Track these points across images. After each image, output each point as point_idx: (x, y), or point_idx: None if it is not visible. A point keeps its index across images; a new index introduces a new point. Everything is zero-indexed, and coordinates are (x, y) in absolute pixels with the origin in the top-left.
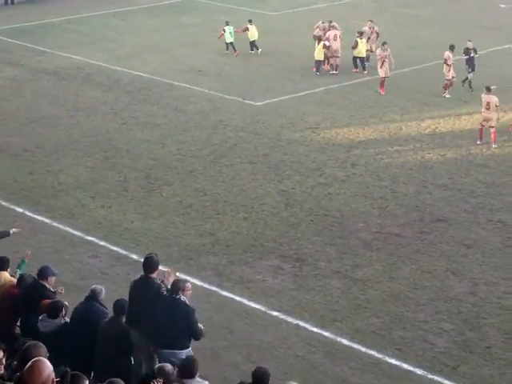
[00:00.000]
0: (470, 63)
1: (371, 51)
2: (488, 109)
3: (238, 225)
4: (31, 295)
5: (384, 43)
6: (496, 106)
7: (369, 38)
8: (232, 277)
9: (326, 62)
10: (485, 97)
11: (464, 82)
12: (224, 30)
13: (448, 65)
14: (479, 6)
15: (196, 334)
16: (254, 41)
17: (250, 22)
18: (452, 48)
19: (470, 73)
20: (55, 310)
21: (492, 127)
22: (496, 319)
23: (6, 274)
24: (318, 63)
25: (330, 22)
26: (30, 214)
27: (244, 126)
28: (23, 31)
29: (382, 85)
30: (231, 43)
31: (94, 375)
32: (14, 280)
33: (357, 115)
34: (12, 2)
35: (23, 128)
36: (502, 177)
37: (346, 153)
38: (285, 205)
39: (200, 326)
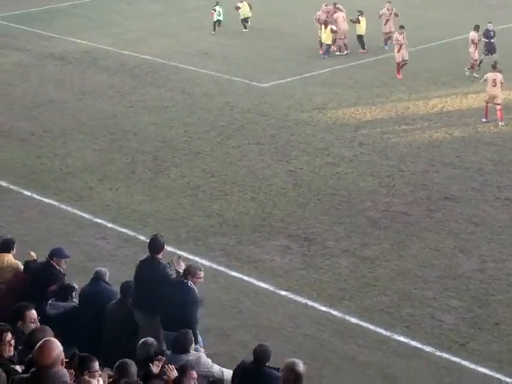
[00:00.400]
0: (491, 47)
1: (391, 33)
2: (494, 86)
3: (246, 205)
4: (40, 277)
5: (401, 27)
6: (501, 83)
7: (387, 20)
8: (240, 257)
9: (333, 43)
10: (491, 74)
11: (479, 64)
12: (214, 10)
13: (475, 44)
14: None
15: (188, 321)
16: (245, 18)
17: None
18: (477, 28)
19: (486, 55)
20: (65, 292)
21: (498, 104)
22: (504, 296)
23: (9, 257)
24: (328, 47)
25: (335, 4)
26: (38, 197)
27: (251, 108)
28: (29, 17)
29: (398, 69)
30: (218, 21)
31: (101, 357)
32: (19, 263)
33: (364, 95)
34: None
35: (30, 112)
36: (509, 154)
37: (354, 132)
38: (293, 185)
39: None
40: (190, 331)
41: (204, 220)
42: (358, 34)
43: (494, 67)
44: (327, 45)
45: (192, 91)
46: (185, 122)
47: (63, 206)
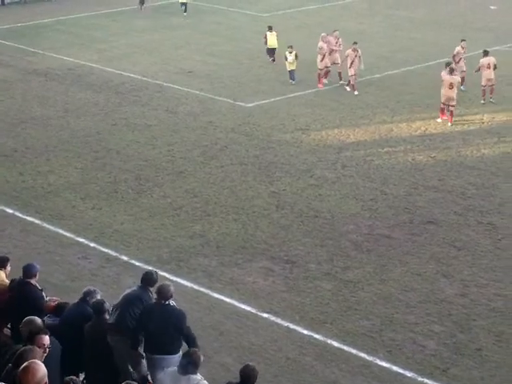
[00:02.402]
0: None
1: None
2: (451, 88)
3: (229, 226)
4: (22, 297)
5: (354, 43)
6: (458, 85)
7: (352, 62)
8: (222, 278)
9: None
10: (449, 77)
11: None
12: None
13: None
14: (470, 7)
15: (187, 339)
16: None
17: None
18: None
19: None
20: (62, 310)
21: (452, 106)
22: (486, 321)
23: (1, 274)
24: (291, 73)
25: (335, 31)
26: (20, 215)
27: (234, 128)
28: (14, 32)
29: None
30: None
31: (85, 376)
32: (7, 282)
33: (347, 116)
34: (3, 3)
35: (13, 129)
36: (491, 178)
37: (337, 154)
38: (275, 206)
39: (192, 332)
40: (200, 353)
41: (186, 241)
42: (269, 47)
43: (452, 71)
44: (291, 70)
45: (176, 110)
46: (168, 141)
47: (45, 225)
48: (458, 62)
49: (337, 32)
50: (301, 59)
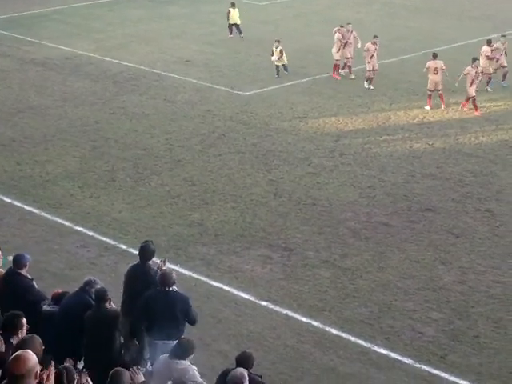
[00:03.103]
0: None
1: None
2: (436, 74)
3: (227, 214)
4: (12, 288)
5: (375, 37)
6: (442, 69)
7: (372, 56)
8: (221, 266)
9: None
10: (432, 62)
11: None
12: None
13: (490, 59)
14: None
15: (193, 321)
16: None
17: None
18: (489, 43)
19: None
20: (61, 298)
21: (439, 90)
22: (484, 308)
23: None
24: (278, 67)
25: (348, 24)
26: (18, 204)
27: (232, 116)
28: (11, 22)
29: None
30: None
31: (84, 364)
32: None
33: (345, 104)
34: None
35: (11, 118)
36: (489, 166)
37: (335, 142)
38: (273, 194)
39: (194, 310)
40: (193, 341)
41: (184, 229)
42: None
43: (435, 56)
44: (284, 65)
45: (173, 99)
46: (166, 129)
47: (43, 214)
48: (498, 59)
49: (350, 25)
50: (298, 47)
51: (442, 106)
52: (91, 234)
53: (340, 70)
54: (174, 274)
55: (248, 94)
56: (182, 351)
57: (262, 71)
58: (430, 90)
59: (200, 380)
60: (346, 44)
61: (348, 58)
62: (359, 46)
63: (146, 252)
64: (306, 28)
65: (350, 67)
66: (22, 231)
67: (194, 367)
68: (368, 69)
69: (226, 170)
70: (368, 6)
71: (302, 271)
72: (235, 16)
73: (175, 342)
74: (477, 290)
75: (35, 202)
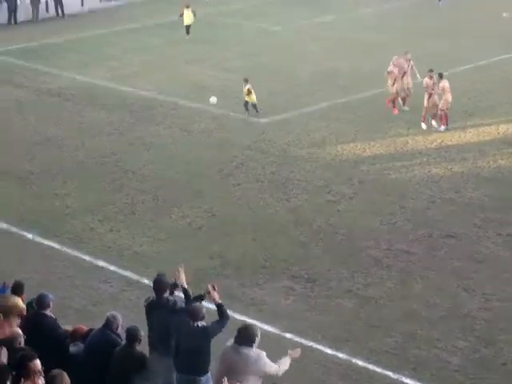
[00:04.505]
0: None
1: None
2: (449, 92)
3: (248, 246)
4: (37, 330)
5: (430, 71)
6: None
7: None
8: (243, 299)
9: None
10: (443, 81)
11: None
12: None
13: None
14: (483, 15)
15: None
16: (187, 25)
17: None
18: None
19: None
20: (87, 336)
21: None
22: (510, 335)
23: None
24: (247, 105)
25: (406, 52)
26: (38, 240)
27: (250, 144)
28: (27, 52)
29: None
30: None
31: None
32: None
33: (362, 130)
34: (15, 22)
35: (29, 151)
36: (509, 190)
37: (353, 169)
38: (293, 224)
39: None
40: (255, 327)
41: (206, 262)
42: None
43: (441, 76)
44: (253, 104)
45: (190, 128)
46: (184, 159)
47: (64, 249)
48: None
49: (409, 54)
50: (315, 71)
51: (442, 127)
52: (113, 268)
53: (405, 107)
54: (204, 310)
55: (265, 120)
56: (251, 337)
57: (278, 97)
58: (446, 109)
59: (271, 363)
60: (403, 75)
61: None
62: (418, 77)
63: (160, 285)
64: (324, 51)
65: (404, 99)
66: (44, 267)
67: (263, 352)
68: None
69: (245, 200)
70: (384, 29)
71: (326, 302)
72: (188, 17)
73: (202, 378)
74: (501, 317)
75: (56, 237)
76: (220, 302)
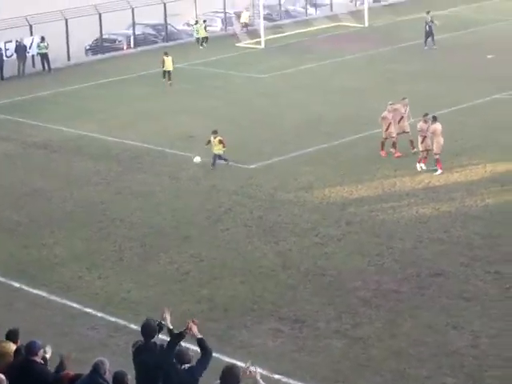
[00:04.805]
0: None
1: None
2: (440, 135)
3: (236, 289)
4: (26, 376)
5: (425, 114)
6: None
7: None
8: (232, 342)
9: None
10: (437, 124)
11: None
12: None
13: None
14: (467, 57)
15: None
16: (168, 70)
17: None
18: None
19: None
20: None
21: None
22: (499, 372)
23: (12, 346)
24: (216, 157)
25: (404, 98)
26: (26, 289)
27: (237, 190)
28: (13, 106)
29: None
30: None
31: None
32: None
33: (349, 173)
34: (2, 78)
35: (17, 202)
36: (497, 227)
37: (341, 211)
38: (282, 267)
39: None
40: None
41: (194, 305)
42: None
43: (435, 119)
44: (218, 155)
45: (178, 175)
46: (172, 206)
47: (52, 297)
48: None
49: (406, 100)
50: (300, 118)
51: (439, 170)
52: (100, 315)
53: (392, 149)
54: (190, 352)
55: (252, 167)
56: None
57: (265, 144)
58: (438, 153)
59: None
60: (400, 119)
61: (406, 133)
62: (411, 120)
63: (148, 330)
64: (308, 98)
65: (411, 142)
66: (32, 316)
67: None
68: (421, 149)
69: (233, 245)
70: (368, 73)
71: (314, 343)
72: (168, 63)
73: None
74: (490, 354)
75: (44, 286)
76: (201, 336)
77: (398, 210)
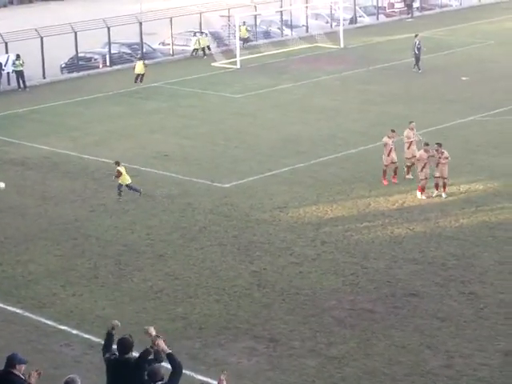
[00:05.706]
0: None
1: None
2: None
3: (211, 307)
4: None
5: (426, 144)
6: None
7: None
8: (206, 360)
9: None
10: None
11: None
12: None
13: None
14: (442, 79)
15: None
16: (140, 74)
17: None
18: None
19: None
20: None
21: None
22: None
23: None
24: None
25: (411, 122)
26: (1, 306)
27: (212, 209)
28: None
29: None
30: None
31: None
32: None
33: (324, 193)
34: None
35: None
36: (471, 248)
37: (316, 231)
38: (256, 285)
39: None
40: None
41: (168, 323)
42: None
43: (440, 145)
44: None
45: (153, 194)
46: (146, 224)
47: (27, 314)
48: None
49: (413, 123)
50: (276, 137)
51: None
52: (75, 332)
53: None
54: (162, 370)
55: (228, 185)
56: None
57: (240, 163)
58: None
59: None
60: (410, 144)
61: (415, 157)
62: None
63: (124, 346)
64: (284, 118)
65: (409, 167)
66: (6, 332)
67: None
68: (421, 177)
69: (208, 263)
70: (344, 94)
71: (288, 361)
72: (139, 67)
73: None
74: (464, 374)
75: (18, 303)
76: (170, 351)
77: (373, 230)
